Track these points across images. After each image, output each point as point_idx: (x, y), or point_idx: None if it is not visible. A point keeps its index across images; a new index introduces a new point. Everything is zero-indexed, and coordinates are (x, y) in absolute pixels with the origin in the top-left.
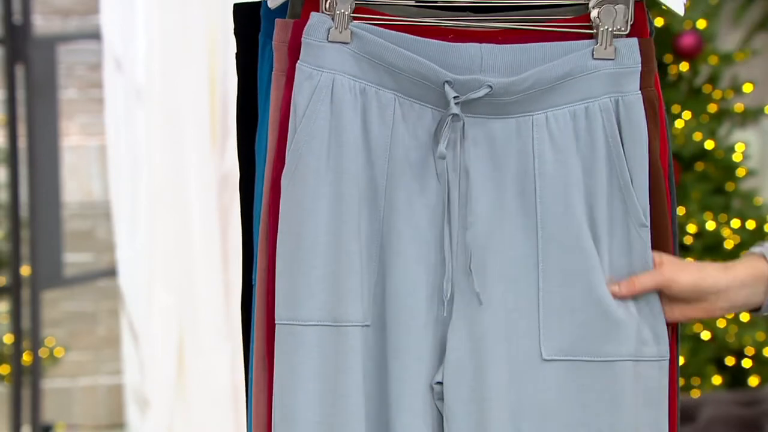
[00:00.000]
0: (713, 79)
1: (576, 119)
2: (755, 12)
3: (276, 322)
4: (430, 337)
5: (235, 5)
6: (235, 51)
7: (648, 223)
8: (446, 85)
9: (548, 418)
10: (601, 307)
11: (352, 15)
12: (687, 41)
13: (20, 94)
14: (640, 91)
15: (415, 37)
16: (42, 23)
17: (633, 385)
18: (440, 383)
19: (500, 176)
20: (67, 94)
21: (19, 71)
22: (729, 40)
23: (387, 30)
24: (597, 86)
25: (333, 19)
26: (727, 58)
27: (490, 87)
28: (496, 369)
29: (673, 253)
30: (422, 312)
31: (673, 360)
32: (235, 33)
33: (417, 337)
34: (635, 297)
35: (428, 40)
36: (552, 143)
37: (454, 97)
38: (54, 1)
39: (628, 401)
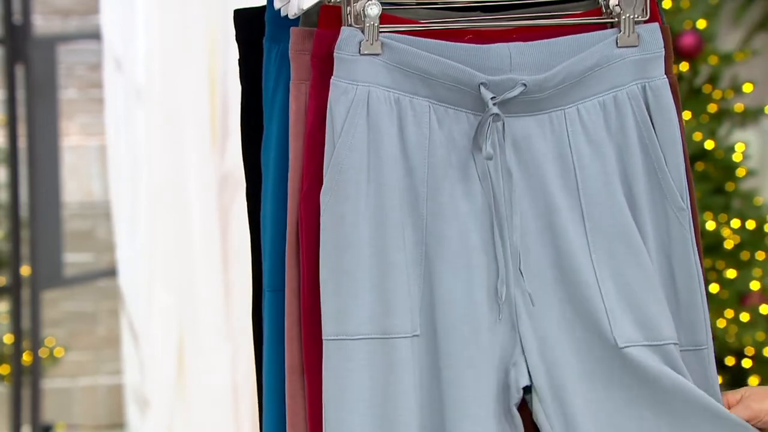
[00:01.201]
0: (713, 79)
1: (605, 108)
2: (755, 12)
3: (324, 338)
4: (485, 342)
5: (236, 11)
6: (238, 57)
7: (686, 207)
8: (482, 87)
9: (627, 405)
10: (656, 290)
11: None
12: (687, 41)
13: (20, 94)
14: (666, 75)
15: (443, 42)
16: (42, 23)
17: (680, 366)
18: (527, 387)
19: (541, 173)
20: (67, 94)
21: (19, 71)
22: (729, 40)
23: (415, 37)
24: (624, 74)
25: (363, 31)
26: (727, 58)
27: (525, 85)
28: (568, 365)
29: (696, 233)
30: (475, 317)
31: None
32: (237, 39)
33: (470, 343)
34: (678, 287)
35: (456, 43)
36: (586, 135)
37: (492, 98)
38: (54, 1)
39: (683, 382)
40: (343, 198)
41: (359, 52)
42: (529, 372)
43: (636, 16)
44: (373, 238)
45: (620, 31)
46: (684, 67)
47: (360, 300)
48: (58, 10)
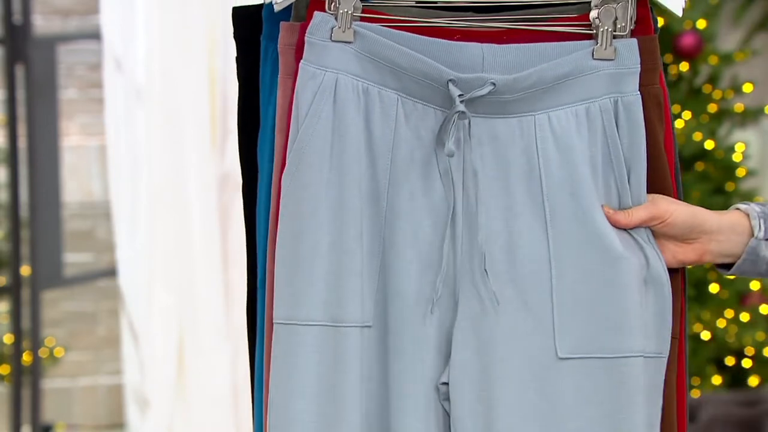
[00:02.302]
0: (713, 79)
1: (578, 119)
2: (755, 12)
3: (274, 321)
4: (432, 339)
5: (235, 8)
6: (236, 55)
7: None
8: (450, 84)
9: (564, 417)
10: (615, 303)
11: (359, 16)
12: (687, 41)
13: (20, 94)
14: (639, 92)
15: (416, 35)
16: (42, 23)
17: (641, 382)
18: (446, 383)
19: (506, 176)
20: (67, 94)
21: (19, 71)
22: (729, 40)
23: (390, 29)
24: (597, 86)
25: (336, 18)
26: (727, 58)
27: (494, 84)
28: (505, 369)
29: None
30: (421, 312)
31: (681, 355)
32: (235, 37)
33: (418, 338)
34: (648, 290)
35: (430, 38)
36: (555, 142)
37: (459, 95)
38: (54, 1)
39: (639, 397)
40: (303, 183)
41: (330, 39)
42: (449, 369)
43: (619, 27)
44: (331, 225)
45: (597, 43)
46: (684, 67)
47: (313, 286)
48: (58, 10)
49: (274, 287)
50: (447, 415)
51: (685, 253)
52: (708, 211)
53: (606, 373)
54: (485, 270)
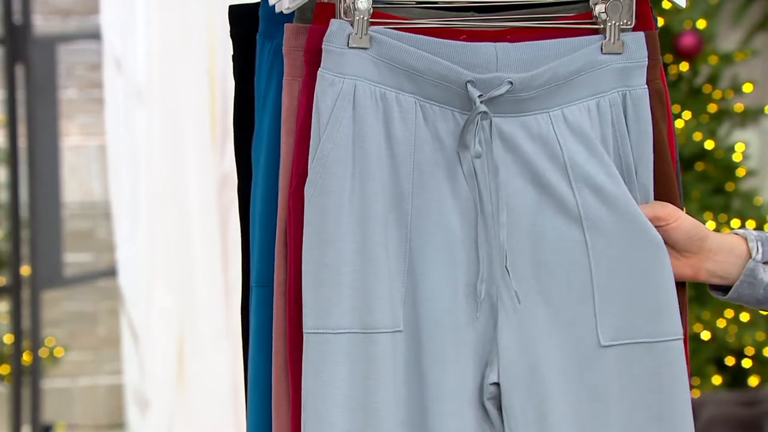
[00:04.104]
0: (713, 79)
1: (590, 114)
2: (755, 12)
3: (305, 331)
4: (469, 339)
5: (231, 7)
6: (232, 53)
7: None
8: (468, 85)
9: (610, 404)
10: (654, 287)
11: (370, 20)
12: (687, 41)
13: (20, 94)
14: (647, 85)
15: (431, 38)
16: (42, 23)
17: (682, 363)
18: (496, 384)
19: (529, 172)
20: (67, 94)
21: (19, 71)
22: (729, 40)
23: (404, 33)
24: (607, 81)
25: (352, 24)
26: (727, 58)
27: (511, 83)
28: (551, 362)
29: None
30: (458, 314)
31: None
32: (232, 35)
33: (454, 340)
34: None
35: (444, 40)
36: (574, 136)
37: (479, 96)
38: (54, 1)
39: (681, 379)
40: (327, 192)
41: (347, 45)
42: (498, 369)
43: (622, 23)
44: (356, 232)
45: (605, 38)
46: (684, 67)
47: (341, 294)
48: (58, 10)
49: (303, 298)
50: (487, 415)
51: (681, 267)
52: (710, 230)
53: (648, 357)
54: (506, 268)
